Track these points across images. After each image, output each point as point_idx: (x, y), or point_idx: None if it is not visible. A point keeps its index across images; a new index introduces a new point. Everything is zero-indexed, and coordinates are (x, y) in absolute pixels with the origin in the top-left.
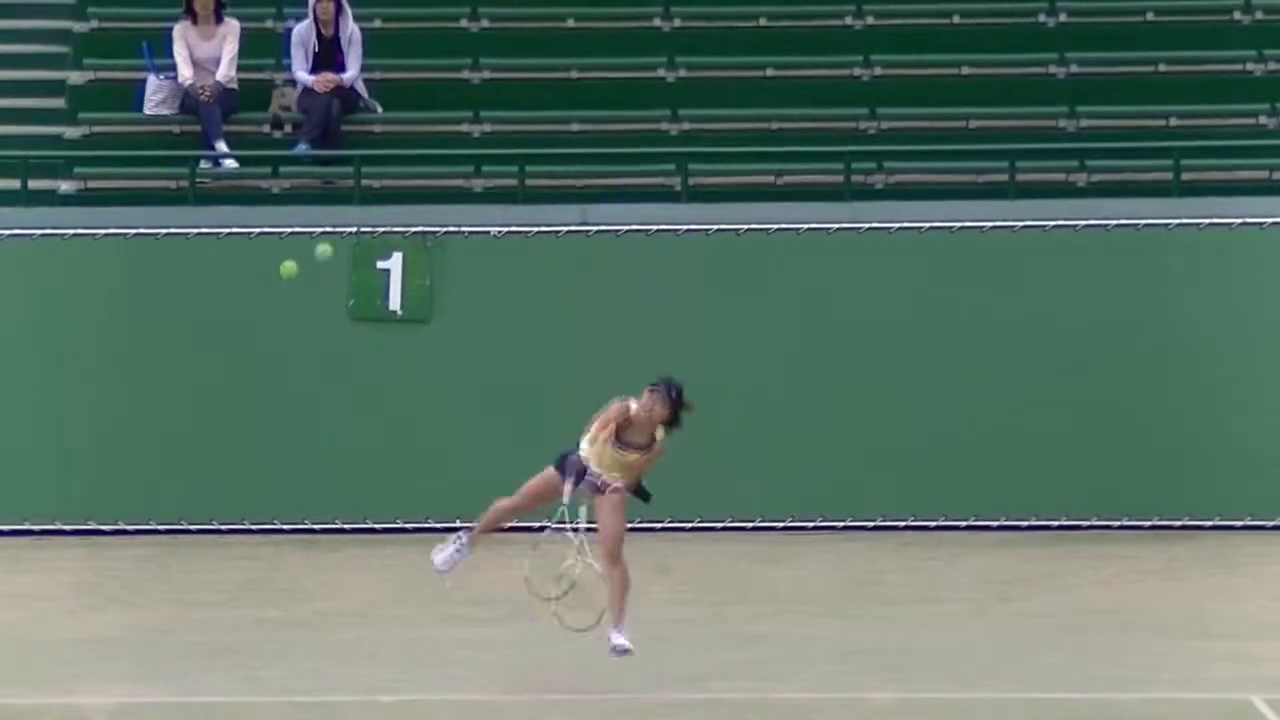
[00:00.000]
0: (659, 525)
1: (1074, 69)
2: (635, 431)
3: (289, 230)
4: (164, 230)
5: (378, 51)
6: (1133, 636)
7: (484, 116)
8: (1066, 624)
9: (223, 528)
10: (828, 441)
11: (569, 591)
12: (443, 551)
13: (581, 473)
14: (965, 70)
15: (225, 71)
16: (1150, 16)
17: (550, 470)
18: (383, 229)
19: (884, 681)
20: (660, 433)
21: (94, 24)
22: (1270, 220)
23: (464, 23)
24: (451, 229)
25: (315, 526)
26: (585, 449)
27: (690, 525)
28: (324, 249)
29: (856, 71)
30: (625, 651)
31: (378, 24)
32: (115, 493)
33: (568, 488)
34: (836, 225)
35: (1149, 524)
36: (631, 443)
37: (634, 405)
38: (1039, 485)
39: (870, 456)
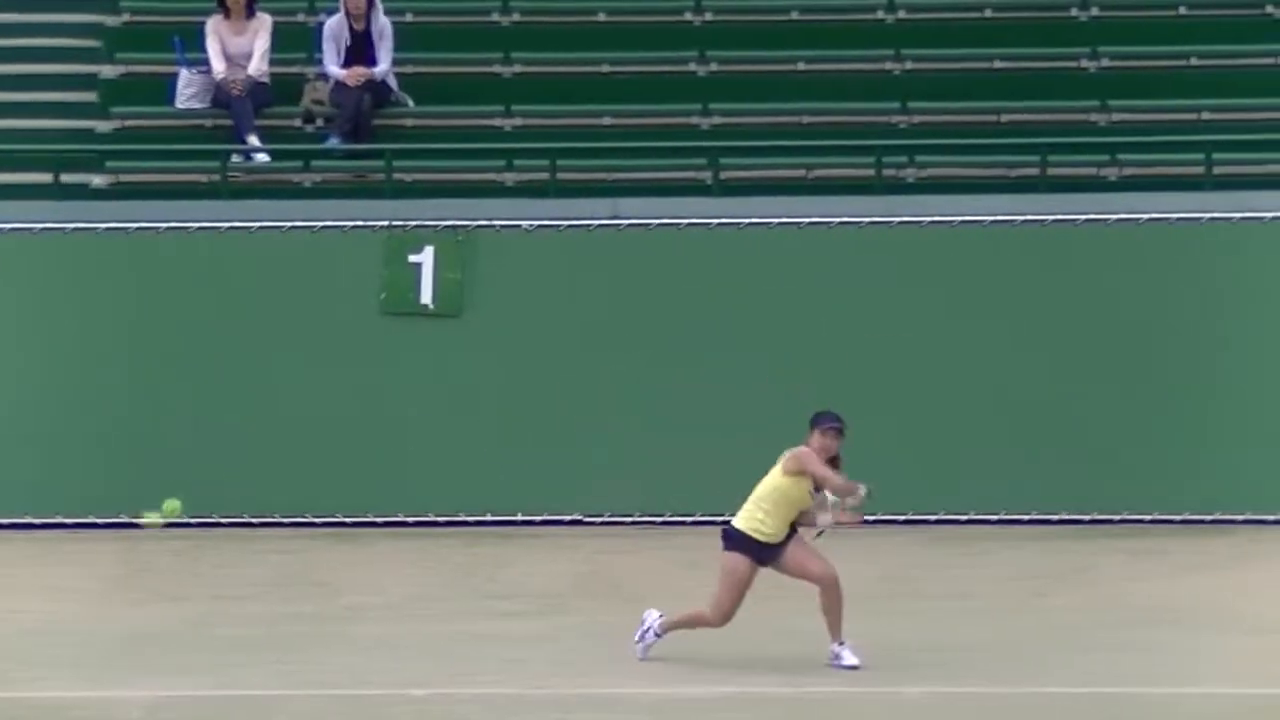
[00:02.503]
0: (691, 519)
1: (1105, 63)
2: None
3: (321, 224)
4: (196, 224)
5: (409, 45)
6: (1166, 631)
7: (515, 110)
8: (1099, 619)
9: (255, 521)
10: (859, 435)
11: None
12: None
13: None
14: (997, 64)
15: (257, 65)
16: (1182, 10)
17: (732, 557)
18: (414, 223)
19: (918, 677)
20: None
21: (126, 18)
22: None
23: (495, 16)
24: (483, 223)
25: (347, 520)
26: (759, 522)
27: (722, 519)
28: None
29: (888, 66)
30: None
31: (409, 18)
32: (149, 486)
33: (825, 518)
34: (868, 219)
35: (1181, 518)
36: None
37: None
38: (1070, 479)
39: (901, 451)
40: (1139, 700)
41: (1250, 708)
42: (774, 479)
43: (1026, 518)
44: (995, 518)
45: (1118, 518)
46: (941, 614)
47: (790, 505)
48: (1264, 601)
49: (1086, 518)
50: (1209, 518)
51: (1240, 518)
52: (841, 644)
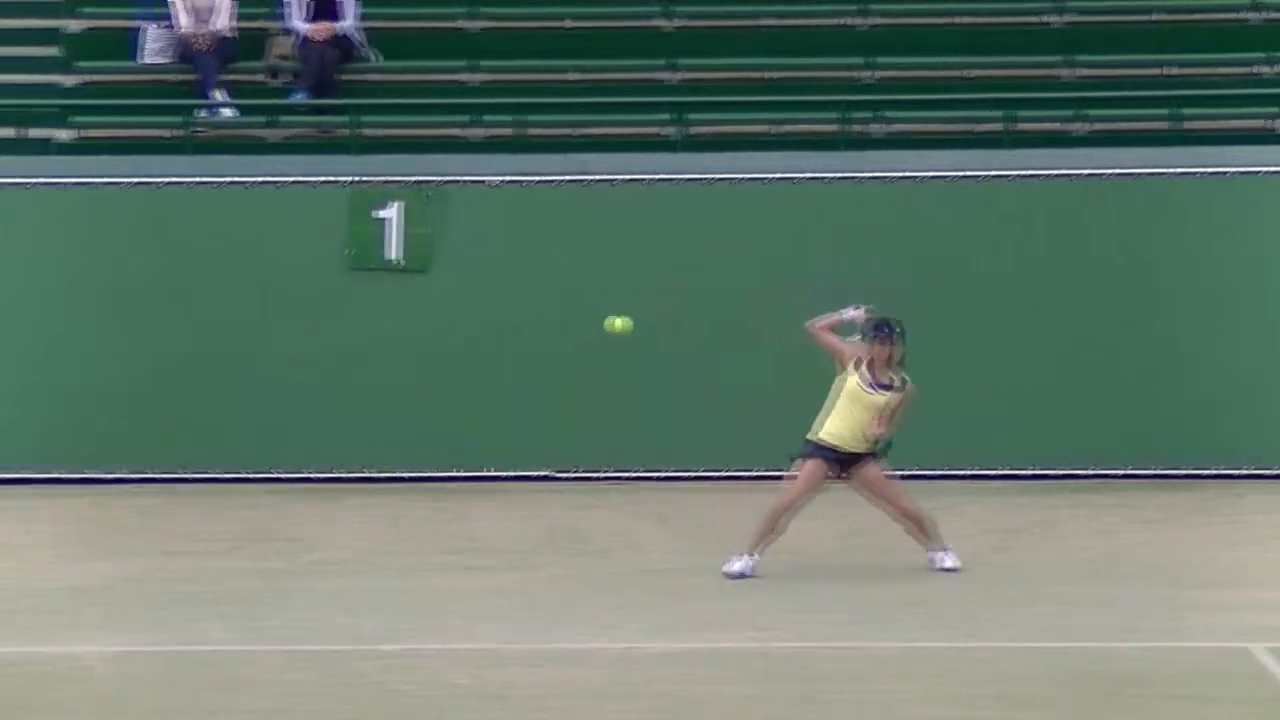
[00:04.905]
0: (660, 475)
1: (1071, 18)
2: (881, 373)
3: (286, 180)
4: (161, 179)
5: (374, 0)
6: (1131, 586)
7: (482, 65)
8: (1065, 574)
9: (223, 477)
10: (826, 391)
11: None
12: (735, 563)
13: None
14: (962, 19)
15: (222, 20)
16: None
17: (809, 464)
18: (380, 178)
19: (883, 631)
20: (902, 375)
21: None
22: (1267, 169)
23: None
24: (449, 178)
25: (315, 476)
26: (828, 431)
27: (691, 475)
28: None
29: (853, 20)
30: (955, 569)
31: None
32: (116, 442)
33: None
34: (834, 175)
35: (1149, 473)
36: (882, 383)
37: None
38: (1038, 434)
39: None
40: (1101, 654)
41: (1209, 662)
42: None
43: (996, 473)
44: (965, 473)
45: (1086, 472)
46: (908, 568)
47: (850, 400)
48: (1228, 555)
49: (1056, 472)
50: (1178, 472)
51: (1208, 473)
52: (940, 549)
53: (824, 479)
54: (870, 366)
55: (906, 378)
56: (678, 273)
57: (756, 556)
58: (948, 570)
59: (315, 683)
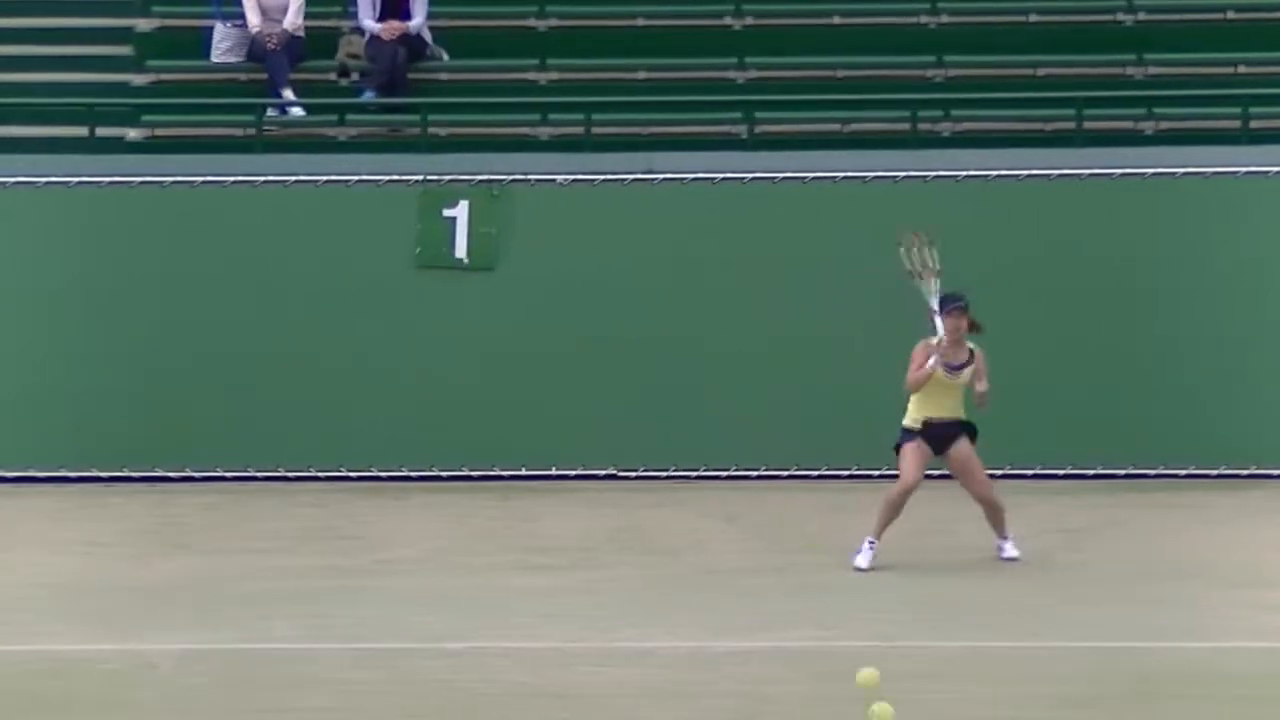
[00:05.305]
0: (725, 474)
1: (1141, 16)
2: (953, 354)
3: (356, 178)
4: (231, 178)
5: None
6: (1200, 586)
7: (550, 64)
8: (1133, 573)
9: (289, 475)
10: (893, 390)
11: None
12: (859, 554)
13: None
14: (1032, 18)
15: (292, 19)
16: None
17: (907, 447)
18: (449, 177)
19: (949, 630)
20: (972, 345)
21: None
22: None
23: None
24: (517, 177)
25: (382, 474)
26: (913, 417)
27: (756, 474)
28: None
29: (923, 19)
30: (1016, 558)
31: None
32: (182, 440)
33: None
34: (903, 173)
35: (1216, 473)
36: (956, 365)
37: (933, 340)
38: (1105, 433)
39: None
40: (1170, 655)
41: (1272, 661)
42: None
43: (1061, 472)
44: (1030, 472)
45: (1153, 472)
46: (974, 567)
47: (935, 386)
48: None
49: (1121, 472)
50: (1244, 472)
51: (1276, 472)
52: (1005, 539)
53: (928, 458)
54: (940, 348)
55: (974, 347)
56: (745, 271)
57: (876, 544)
58: (1011, 559)
59: (380, 681)
